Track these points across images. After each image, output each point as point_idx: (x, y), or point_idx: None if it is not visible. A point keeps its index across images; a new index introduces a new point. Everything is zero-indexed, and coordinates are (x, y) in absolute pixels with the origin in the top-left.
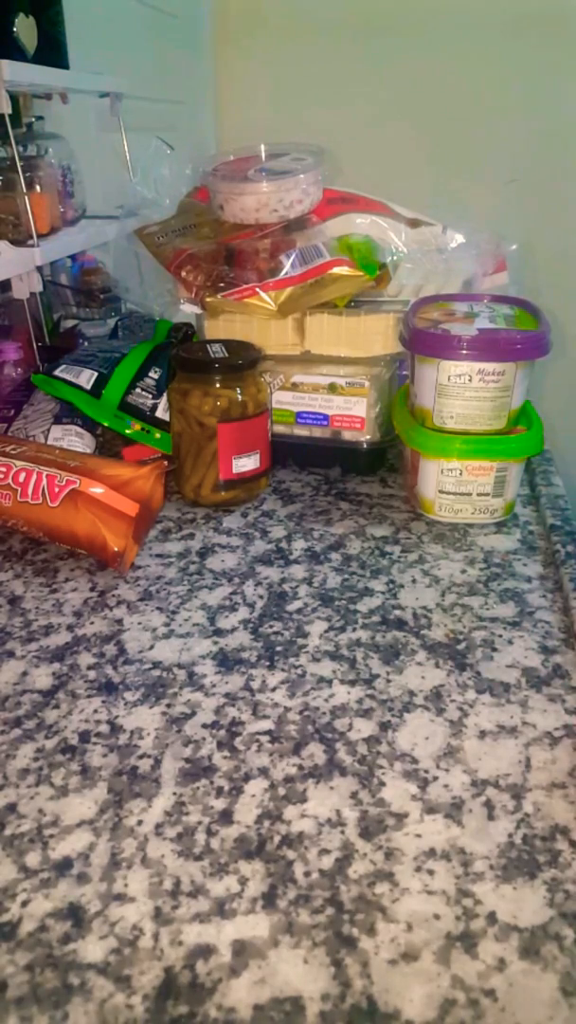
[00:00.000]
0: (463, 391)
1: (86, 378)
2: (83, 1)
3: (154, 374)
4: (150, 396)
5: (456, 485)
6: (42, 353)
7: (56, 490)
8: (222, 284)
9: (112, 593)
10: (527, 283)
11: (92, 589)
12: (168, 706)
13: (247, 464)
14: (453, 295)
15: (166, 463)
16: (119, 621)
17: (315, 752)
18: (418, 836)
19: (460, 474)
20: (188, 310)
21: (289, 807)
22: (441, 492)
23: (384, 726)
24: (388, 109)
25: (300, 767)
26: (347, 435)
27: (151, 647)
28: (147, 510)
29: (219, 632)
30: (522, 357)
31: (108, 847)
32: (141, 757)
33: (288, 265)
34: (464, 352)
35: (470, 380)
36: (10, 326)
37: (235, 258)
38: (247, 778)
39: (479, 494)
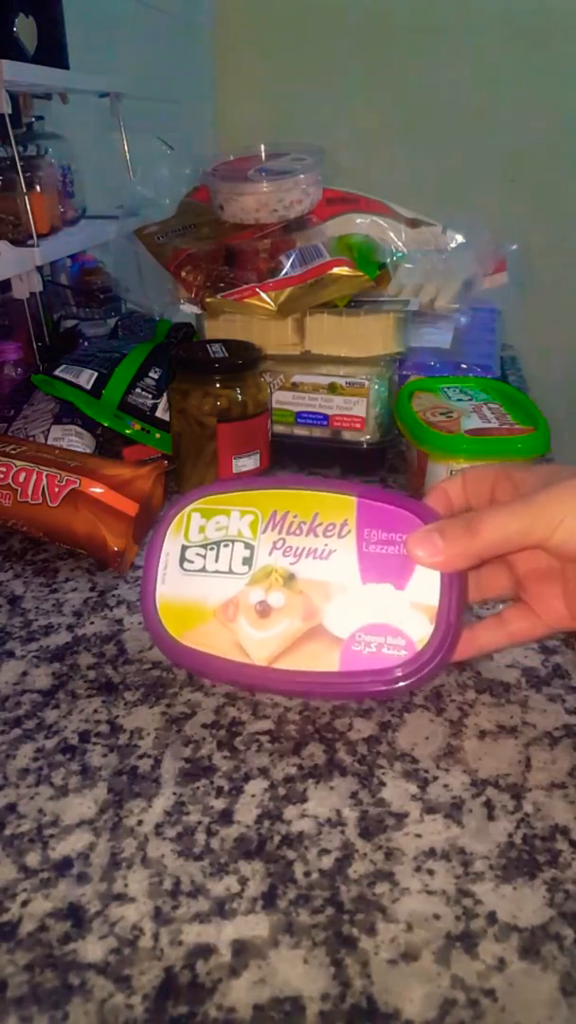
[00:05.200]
0: None
1: (86, 378)
2: (83, 1)
3: (154, 374)
4: (150, 396)
5: None
6: (42, 353)
7: (56, 490)
8: (222, 284)
9: (112, 593)
10: (526, 283)
11: (92, 589)
12: (168, 706)
13: (247, 464)
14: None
15: (166, 463)
16: (119, 621)
17: (315, 752)
18: (418, 836)
19: None
20: (188, 310)
21: (289, 807)
22: None
23: (384, 726)
24: (388, 109)
25: (300, 767)
26: (347, 435)
27: (151, 647)
28: (147, 510)
29: None
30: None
31: (108, 847)
32: (141, 757)
33: (288, 265)
34: None
35: None
36: (10, 326)
37: (235, 258)
38: (247, 778)
39: None
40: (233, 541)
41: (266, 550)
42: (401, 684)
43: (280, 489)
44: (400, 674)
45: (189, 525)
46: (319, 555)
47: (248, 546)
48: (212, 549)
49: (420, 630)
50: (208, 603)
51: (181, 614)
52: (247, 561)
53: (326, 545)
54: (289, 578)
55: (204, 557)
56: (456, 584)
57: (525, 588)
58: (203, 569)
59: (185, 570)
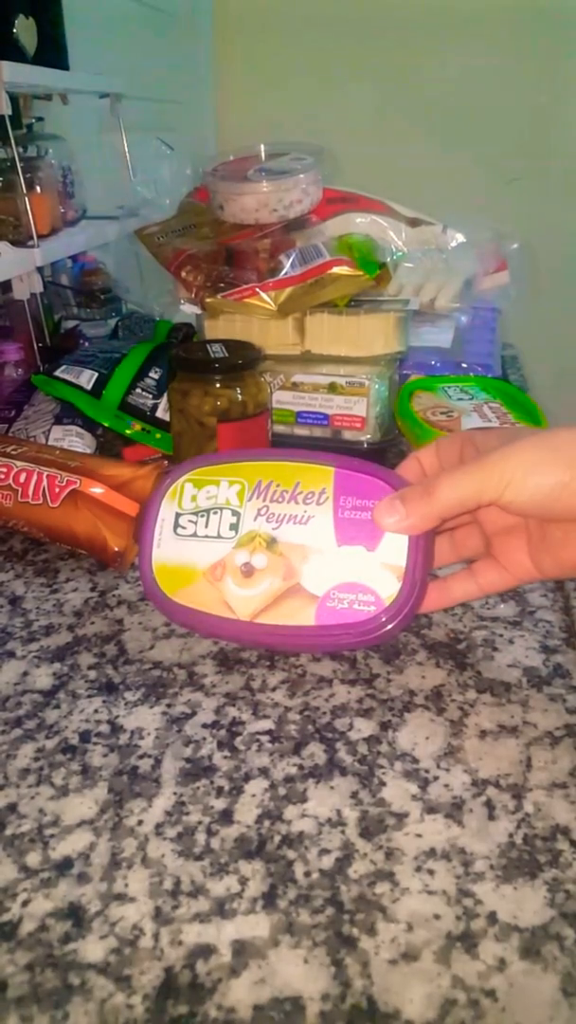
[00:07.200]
0: None
1: (86, 378)
2: (83, 1)
3: (154, 374)
4: (150, 396)
5: None
6: (43, 354)
7: (56, 490)
8: (222, 284)
9: (112, 593)
10: (527, 283)
11: (92, 589)
12: (168, 706)
13: None
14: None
15: (166, 463)
16: (119, 621)
17: (315, 752)
18: (418, 836)
19: None
20: (188, 310)
21: (289, 807)
22: None
23: (384, 726)
24: (388, 108)
25: (300, 767)
26: (347, 435)
27: (151, 647)
28: None
29: None
30: None
31: (108, 847)
32: (141, 757)
33: (288, 265)
34: None
35: None
36: (11, 327)
37: (235, 258)
38: (247, 778)
39: None
40: (221, 509)
41: (251, 516)
42: (371, 636)
43: (265, 461)
44: (371, 627)
45: (182, 494)
46: (299, 520)
47: (235, 513)
48: (203, 516)
49: (388, 588)
50: (198, 565)
51: (174, 575)
52: (234, 527)
53: (305, 511)
54: (271, 542)
55: (195, 523)
56: (421, 545)
57: (493, 544)
58: (194, 534)
59: (178, 535)
